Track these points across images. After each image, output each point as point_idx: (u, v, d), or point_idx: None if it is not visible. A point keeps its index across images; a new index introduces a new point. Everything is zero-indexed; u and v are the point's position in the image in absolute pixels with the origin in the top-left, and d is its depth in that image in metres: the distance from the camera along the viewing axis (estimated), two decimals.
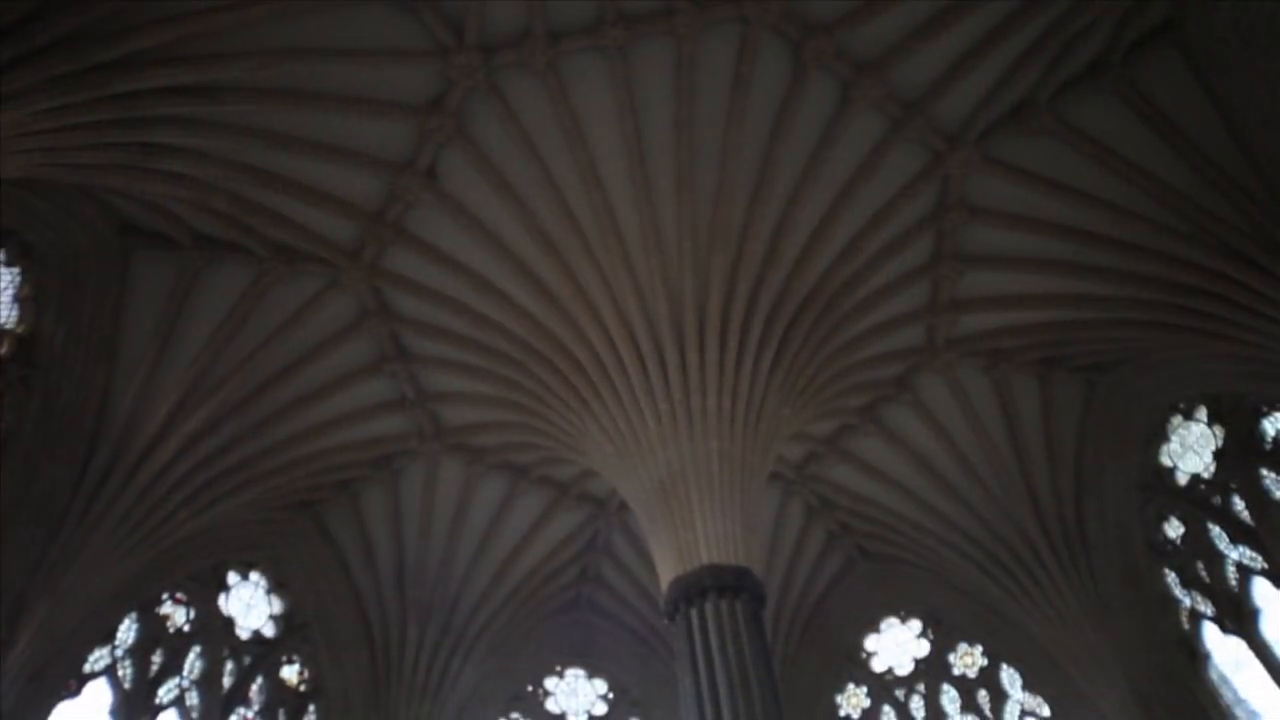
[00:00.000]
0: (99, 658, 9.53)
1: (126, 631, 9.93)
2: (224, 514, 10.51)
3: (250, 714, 10.95)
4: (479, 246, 9.43)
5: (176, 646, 10.37)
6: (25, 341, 8.88)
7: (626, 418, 8.78)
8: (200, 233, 9.18)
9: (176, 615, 10.58)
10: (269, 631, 11.62)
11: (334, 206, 9.12)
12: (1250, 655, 10.05)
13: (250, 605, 11.53)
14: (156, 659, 10.11)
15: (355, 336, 10.36)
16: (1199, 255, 8.99)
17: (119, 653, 9.77)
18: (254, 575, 11.75)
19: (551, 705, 13.97)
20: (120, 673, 9.69)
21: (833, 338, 9.86)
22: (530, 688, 14.07)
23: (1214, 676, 10.59)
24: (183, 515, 9.55)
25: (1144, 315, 9.92)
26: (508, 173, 9.01)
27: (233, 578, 11.47)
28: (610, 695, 14.24)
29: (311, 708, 11.74)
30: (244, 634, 11.25)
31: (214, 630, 10.86)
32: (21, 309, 8.91)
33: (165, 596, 10.55)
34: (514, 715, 13.71)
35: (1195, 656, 10.72)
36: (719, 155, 8.88)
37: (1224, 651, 10.56)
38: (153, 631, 10.19)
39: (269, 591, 11.84)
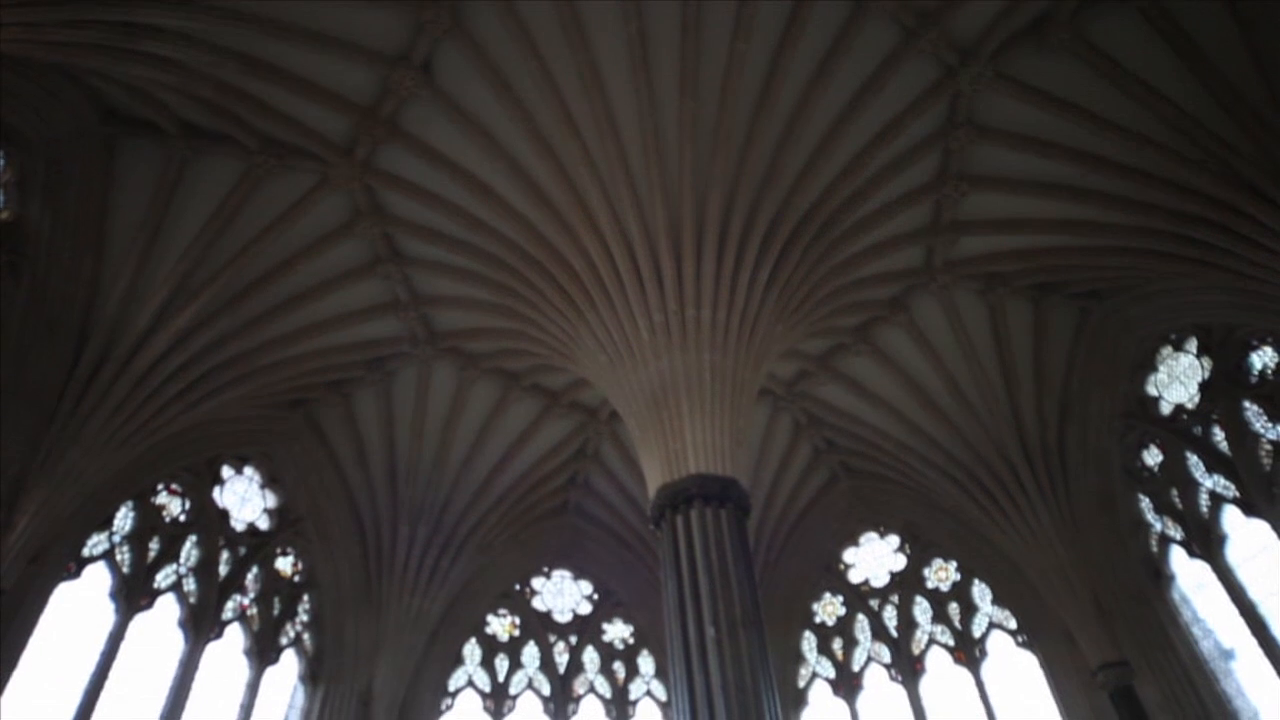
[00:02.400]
0: (97, 543, 9.77)
1: (123, 519, 10.14)
2: (217, 409, 10.59)
3: (246, 601, 11.31)
4: (475, 148, 9.19)
5: (173, 535, 10.62)
6: (11, 228, 8.72)
7: (620, 327, 8.76)
8: (187, 121, 8.87)
9: (172, 505, 10.80)
10: (263, 524, 11.89)
11: (325, 99, 8.80)
12: (1213, 578, 10.42)
13: (244, 499, 11.76)
14: (154, 546, 10.36)
15: (348, 237, 10.20)
16: (1207, 184, 8.85)
17: (116, 539, 10.01)
18: (248, 470, 11.95)
19: (538, 603, 14.49)
20: (118, 558, 9.95)
21: (831, 254, 9.77)
22: (518, 586, 14.56)
23: (1175, 597, 11.02)
24: (176, 408, 9.61)
25: (1145, 243, 9.85)
26: (507, 72, 8.68)
27: (227, 471, 11.67)
28: (595, 596, 14.75)
29: (305, 597, 12.14)
30: (239, 526, 11.52)
31: (209, 521, 11.10)
32: (6, 194, 8.71)
33: (160, 487, 10.73)
34: (502, 611, 14.23)
35: (1160, 577, 11.12)
36: (725, 62, 8.56)
37: (1188, 574, 10.96)
38: (149, 520, 10.41)
39: (263, 486, 12.06)
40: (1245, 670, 10.19)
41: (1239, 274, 9.05)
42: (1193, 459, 10.83)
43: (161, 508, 10.66)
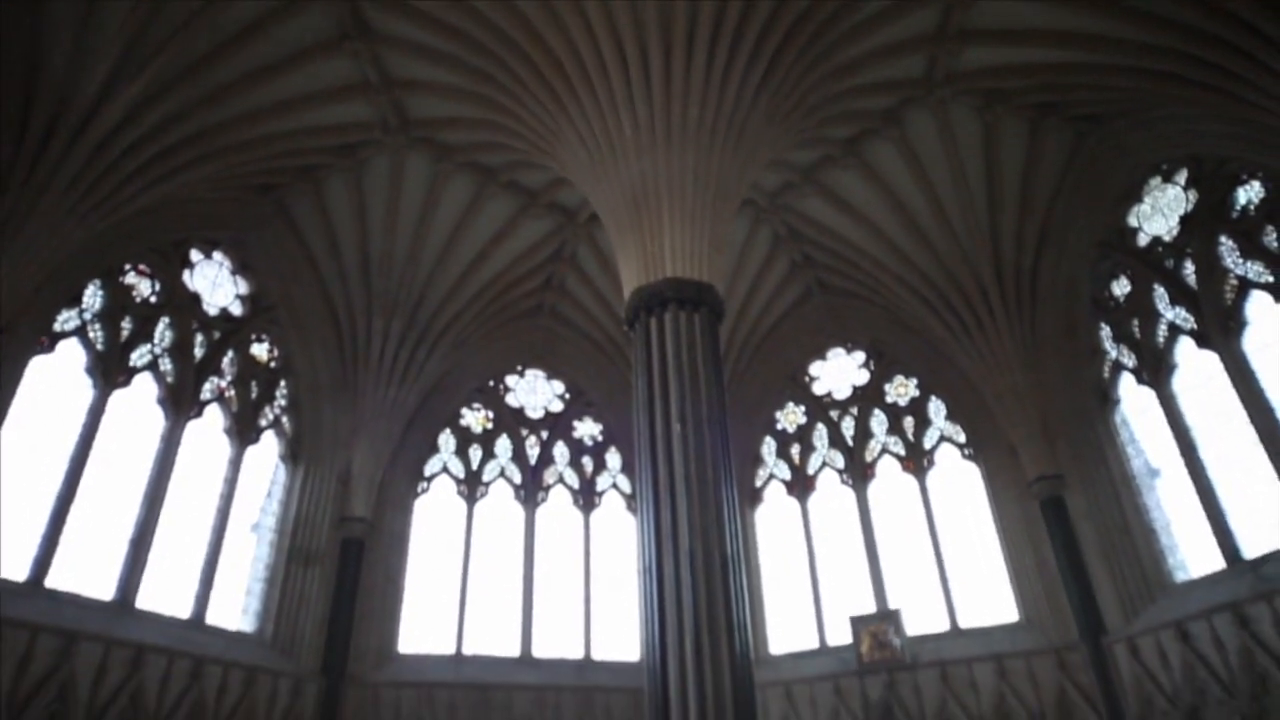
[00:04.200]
0: (67, 319, 9.72)
1: (93, 297, 10.04)
2: (183, 189, 10.22)
3: (224, 383, 11.52)
4: None
5: (145, 316, 10.58)
6: None
7: (603, 122, 8.38)
8: None
9: (141, 286, 10.67)
10: (236, 310, 11.87)
11: None
12: (1155, 404, 10.95)
13: (216, 284, 11.65)
14: (126, 326, 10.34)
15: (311, 6, 9.42)
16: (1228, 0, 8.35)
17: (88, 316, 9.95)
18: (217, 255, 11.74)
19: (511, 400, 14.96)
20: (91, 335, 9.95)
21: (829, 57, 9.24)
22: (492, 383, 14.95)
23: (1117, 419, 11.63)
24: (137, 184, 9.21)
25: (1154, 63, 9.41)
26: None
27: (196, 255, 11.46)
28: (567, 395, 15.24)
29: (282, 383, 12.38)
30: (211, 310, 11.48)
31: (181, 304, 11.04)
32: None
33: (128, 267, 10.55)
34: (476, 405, 14.70)
35: (1106, 401, 11.67)
36: None
37: (1133, 399, 11.50)
38: (119, 300, 10.32)
39: (234, 272, 11.92)
40: (1166, 488, 10.99)
41: (1243, 100, 8.74)
42: (1159, 291, 11.03)
43: (131, 288, 10.53)
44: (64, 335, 9.68)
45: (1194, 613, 9.62)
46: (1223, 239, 10.32)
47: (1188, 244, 10.67)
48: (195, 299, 11.28)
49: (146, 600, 9.65)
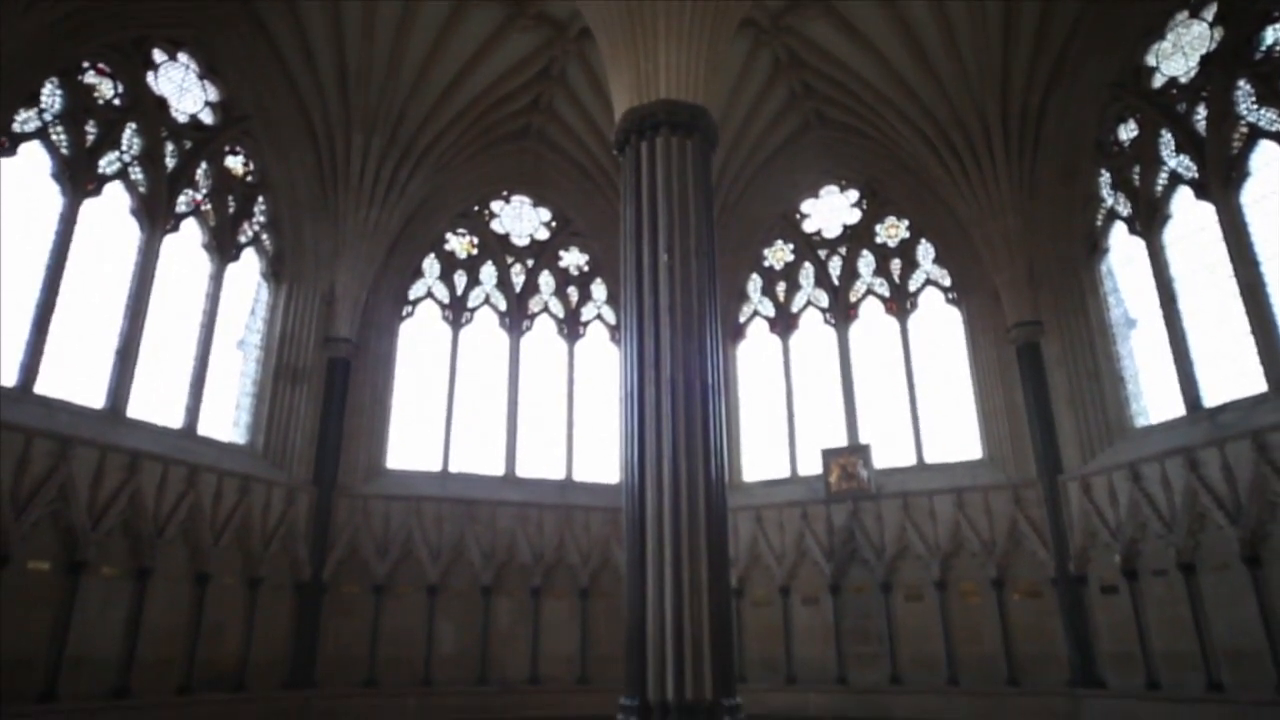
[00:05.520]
0: (27, 119, 9.19)
1: (51, 96, 9.45)
2: None
3: (199, 197, 11.16)
4: None
5: (110, 119, 10.04)
6: None
7: None
8: None
9: (103, 87, 10.04)
10: (208, 119, 11.30)
11: None
12: (1143, 254, 10.92)
13: (183, 88, 11.00)
14: (91, 130, 9.83)
15: None
16: None
17: (49, 117, 9.42)
18: (182, 56, 11.01)
19: (497, 226, 14.69)
20: (54, 137, 9.46)
21: None
22: (477, 207, 14.62)
23: (1102, 268, 11.64)
24: None
25: None
26: None
27: (159, 56, 10.74)
28: (553, 224, 14.97)
29: (260, 199, 12.02)
30: (181, 117, 10.91)
31: (147, 109, 10.46)
32: None
33: (86, 65, 9.87)
34: (460, 230, 14.44)
35: (1095, 250, 11.62)
36: None
37: (1122, 249, 11.45)
38: (80, 100, 9.74)
39: (201, 76, 11.23)
40: (1141, 338, 11.19)
41: None
42: (1165, 137, 10.70)
43: (92, 88, 9.91)
44: (25, 137, 9.20)
45: (1148, 455, 10.09)
46: (1241, 83, 9.89)
47: (1204, 86, 10.23)
48: (162, 104, 10.68)
49: (138, 411, 9.83)
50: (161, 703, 9.11)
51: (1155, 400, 10.80)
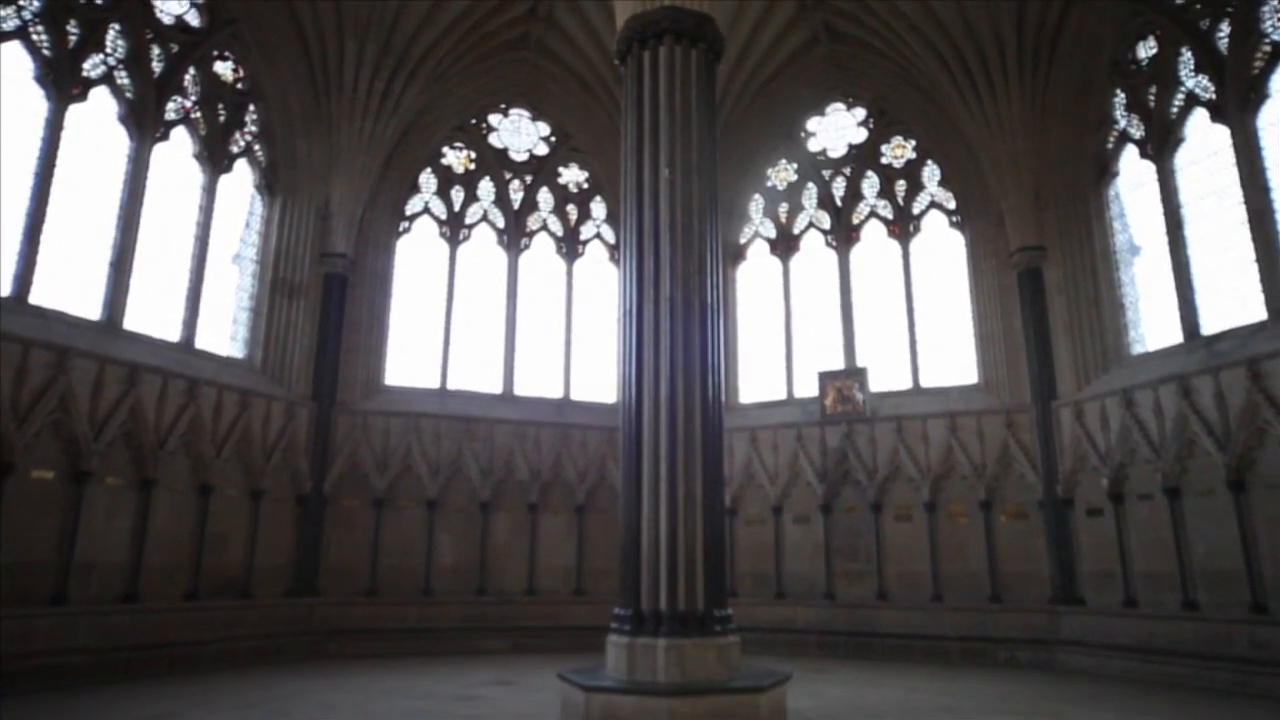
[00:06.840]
0: (6, 15, 8.82)
1: None
2: None
3: (188, 104, 10.84)
4: None
5: (92, 20, 9.65)
6: None
7: None
8: None
9: None
10: (194, 20, 10.89)
11: None
12: (1153, 179, 10.72)
13: None
14: (73, 31, 9.46)
15: None
16: None
17: (28, 15, 9.06)
18: None
19: (495, 140, 14.36)
20: (35, 38, 9.12)
21: None
22: (474, 121, 14.26)
23: (1110, 193, 11.45)
24: None
25: None
26: None
27: None
28: (553, 139, 14.63)
29: (252, 108, 11.69)
30: (166, 19, 10.51)
31: (131, 9, 10.05)
32: None
33: None
34: (458, 144, 14.12)
35: (1104, 174, 11.41)
36: None
37: (1131, 174, 11.24)
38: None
39: None
40: (1143, 265, 11.10)
41: None
42: (1185, 56, 10.37)
43: None
44: (5, 36, 8.86)
45: (1142, 382, 10.13)
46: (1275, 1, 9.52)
47: (1228, 1, 9.85)
48: (145, 3, 10.26)
49: (134, 324, 9.79)
50: (170, 607, 9.38)
51: (1153, 328, 10.80)
